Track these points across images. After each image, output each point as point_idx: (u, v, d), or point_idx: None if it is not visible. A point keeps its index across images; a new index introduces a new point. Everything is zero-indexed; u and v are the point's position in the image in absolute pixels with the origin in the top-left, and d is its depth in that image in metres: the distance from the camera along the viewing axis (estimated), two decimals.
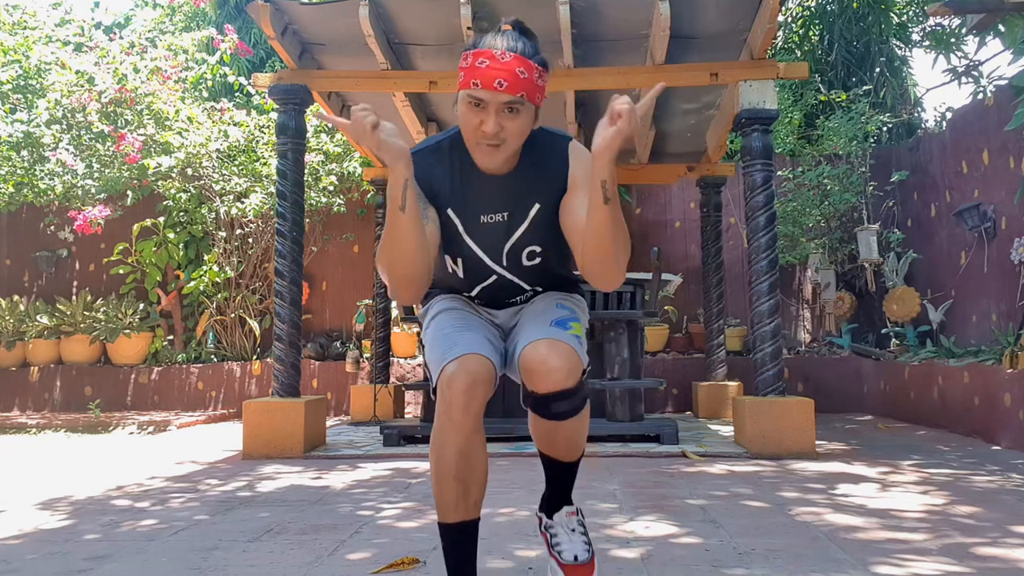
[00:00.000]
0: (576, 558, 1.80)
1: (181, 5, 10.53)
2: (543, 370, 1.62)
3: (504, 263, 1.81)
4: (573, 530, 1.85)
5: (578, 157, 1.75)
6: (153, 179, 7.56)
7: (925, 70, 23.67)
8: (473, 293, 1.89)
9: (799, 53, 9.69)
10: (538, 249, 1.80)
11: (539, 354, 1.63)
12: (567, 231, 1.72)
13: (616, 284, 1.64)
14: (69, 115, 7.07)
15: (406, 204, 1.53)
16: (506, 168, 1.72)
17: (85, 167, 7.27)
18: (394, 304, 7.03)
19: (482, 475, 1.69)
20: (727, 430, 5.31)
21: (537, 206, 1.75)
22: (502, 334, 1.90)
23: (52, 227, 8.54)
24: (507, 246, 1.79)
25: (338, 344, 7.91)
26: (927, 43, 7.04)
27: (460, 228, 1.77)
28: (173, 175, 7.51)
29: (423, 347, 1.90)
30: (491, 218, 1.76)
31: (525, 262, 1.81)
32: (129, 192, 7.89)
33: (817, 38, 9.68)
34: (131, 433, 6.36)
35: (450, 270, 1.85)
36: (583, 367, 1.68)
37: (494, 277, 1.84)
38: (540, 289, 1.90)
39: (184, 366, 7.65)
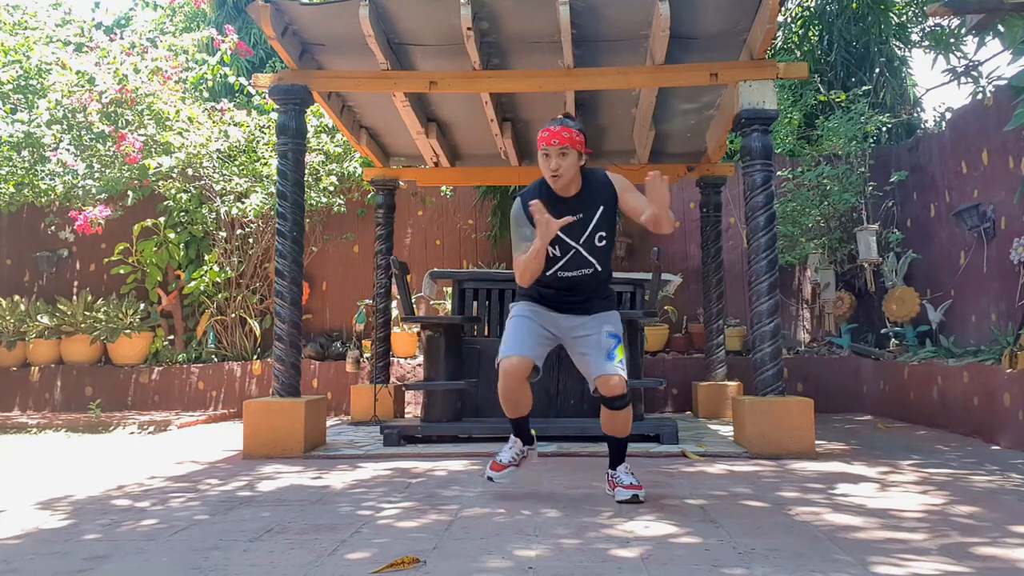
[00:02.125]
0: (631, 483, 3.02)
1: (181, 6, 10.53)
2: (609, 386, 2.95)
3: (581, 242, 3.02)
4: (627, 472, 3.09)
5: (615, 178, 3.10)
6: (154, 179, 7.56)
7: (925, 70, 23.69)
8: (557, 274, 3.04)
9: (799, 53, 9.69)
10: (604, 234, 3.05)
11: (607, 383, 2.95)
12: (633, 213, 3.04)
13: (670, 229, 2.97)
14: (70, 115, 7.07)
15: (541, 249, 2.92)
16: (572, 192, 3.04)
17: (86, 167, 7.28)
18: (394, 304, 7.04)
19: (526, 401, 3.10)
20: (727, 430, 5.32)
21: (601, 208, 3.04)
22: (554, 340, 3.12)
23: (53, 227, 8.54)
24: (586, 233, 3.02)
25: (338, 344, 7.91)
26: (927, 43, 7.04)
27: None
28: (174, 175, 7.51)
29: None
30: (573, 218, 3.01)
31: (597, 243, 3.04)
32: (130, 192, 7.89)
33: (817, 38, 9.69)
34: (131, 433, 6.36)
35: (550, 255, 3.01)
36: (626, 382, 2.99)
37: (573, 251, 3.02)
38: (595, 265, 3.04)
39: (184, 366, 7.66)
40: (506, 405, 3.08)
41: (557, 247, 3.01)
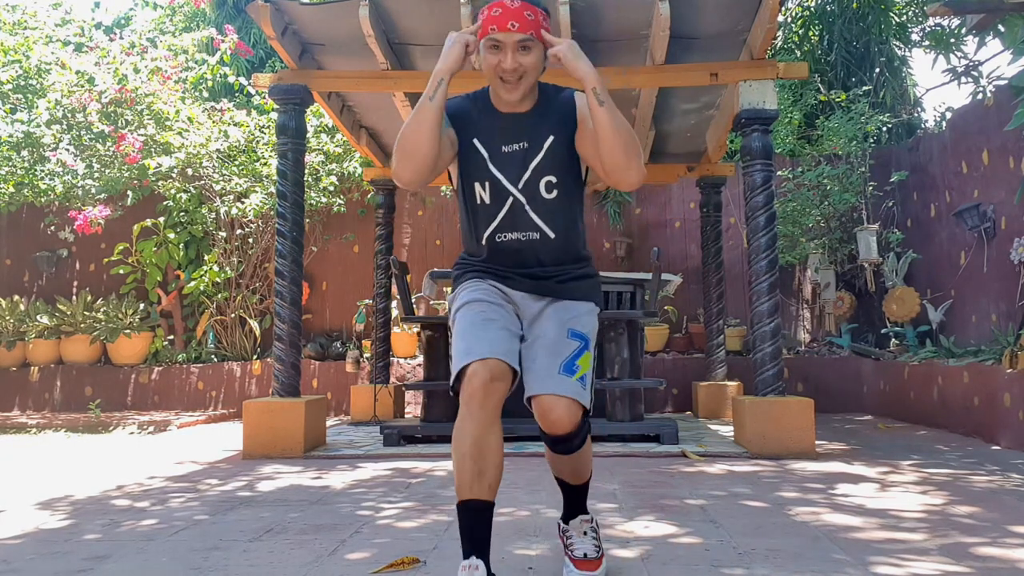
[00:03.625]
0: (585, 555, 2.03)
1: (181, 5, 10.53)
2: (549, 420, 1.89)
3: (522, 185, 1.99)
4: (585, 533, 2.08)
5: (582, 98, 2.03)
6: (153, 179, 7.56)
7: (925, 70, 23.69)
8: (495, 238, 2.02)
9: (799, 53, 9.69)
10: (554, 180, 2.00)
11: (547, 406, 1.88)
12: (587, 157, 2.00)
13: (635, 178, 1.92)
14: (69, 115, 7.07)
15: (435, 96, 1.88)
16: (524, 107, 2.01)
17: (85, 167, 7.28)
18: (394, 304, 7.03)
19: (496, 462, 1.81)
20: (727, 430, 5.32)
21: (551, 137, 2.00)
22: (519, 321, 2.03)
23: (52, 227, 8.54)
24: (527, 173, 1.99)
25: (338, 344, 7.91)
26: (927, 43, 7.03)
27: (485, 156, 2.01)
28: (173, 175, 7.51)
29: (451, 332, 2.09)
30: (512, 147, 2.00)
31: (544, 193, 2.00)
32: (129, 192, 7.89)
33: (817, 38, 9.69)
34: (131, 433, 6.36)
35: (478, 200, 2.02)
36: (583, 410, 1.92)
37: (510, 200, 2.00)
38: (551, 235, 2.01)
39: (184, 366, 7.66)
40: (464, 463, 1.79)
41: (486, 187, 2.00)
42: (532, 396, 1.91)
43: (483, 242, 2.04)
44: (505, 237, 2.02)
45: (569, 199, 2.04)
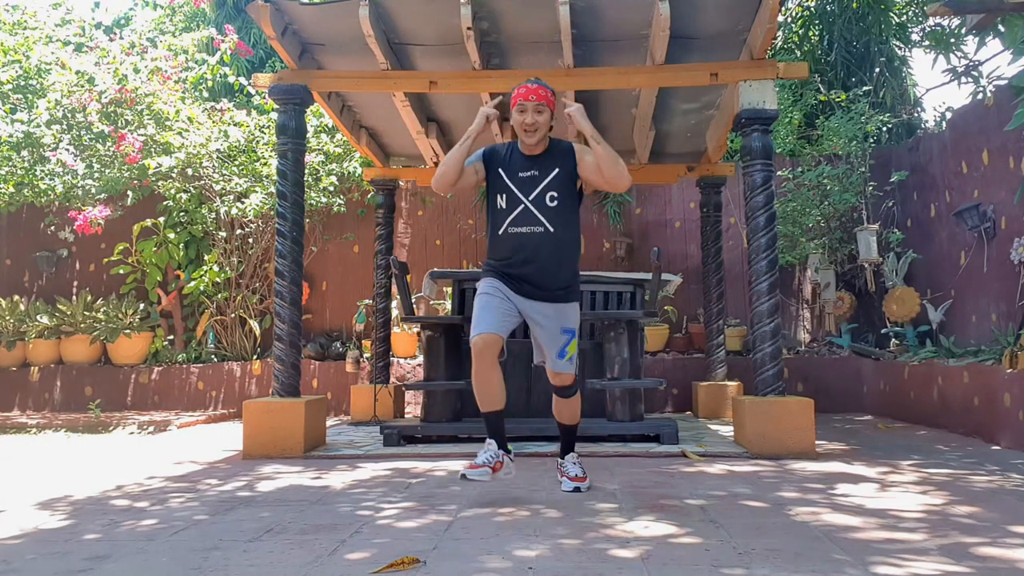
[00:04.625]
0: (576, 475, 3.25)
1: (181, 5, 10.53)
2: (558, 379, 3.25)
3: (531, 198, 3.15)
4: (574, 463, 3.31)
5: (579, 151, 3.23)
6: (153, 179, 7.56)
7: (925, 70, 23.67)
8: (508, 230, 3.15)
9: (799, 53, 9.69)
10: (555, 194, 3.16)
11: (555, 376, 3.24)
12: (590, 177, 3.20)
13: (626, 182, 3.16)
14: (69, 115, 7.07)
15: (463, 145, 3.18)
16: (538, 151, 3.21)
17: (85, 167, 7.28)
18: (394, 304, 7.03)
19: (498, 388, 3.11)
20: (727, 430, 5.31)
21: (557, 170, 3.19)
22: (518, 316, 3.17)
23: (52, 227, 8.54)
24: (537, 189, 3.16)
25: (338, 344, 7.91)
26: (927, 43, 7.03)
27: (505, 178, 3.21)
28: (173, 175, 7.51)
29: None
30: (527, 174, 3.19)
31: (548, 203, 3.15)
32: (129, 192, 7.89)
33: (817, 38, 9.69)
34: (131, 433, 6.36)
35: (499, 206, 3.19)
36: (575, 376, 3.27)
37: (522, 206, 3.15)
38: (551, 229, 3.13)
39: (184, 366, 7.66)
40: (479, 393, 3.09)
41: (504, 197, 3.17)
42: (548, 369, 3.22)
43: (500, 232, 3.17)
44: (515, 230, 3.15)
45: (564, 208, 3.17)
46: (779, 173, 7.61)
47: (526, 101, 3.11)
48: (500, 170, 3.21)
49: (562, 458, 3.32)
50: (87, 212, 7.22)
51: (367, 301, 7.78)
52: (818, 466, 3.85)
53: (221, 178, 7.50)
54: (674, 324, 7.77)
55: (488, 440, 3.11)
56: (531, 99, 3.11)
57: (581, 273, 5.19)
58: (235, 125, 7.51)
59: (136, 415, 6.95)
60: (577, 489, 3.17)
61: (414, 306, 6.08)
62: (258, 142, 7.56)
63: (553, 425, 4.73)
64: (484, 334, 3.01)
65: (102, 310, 7.79)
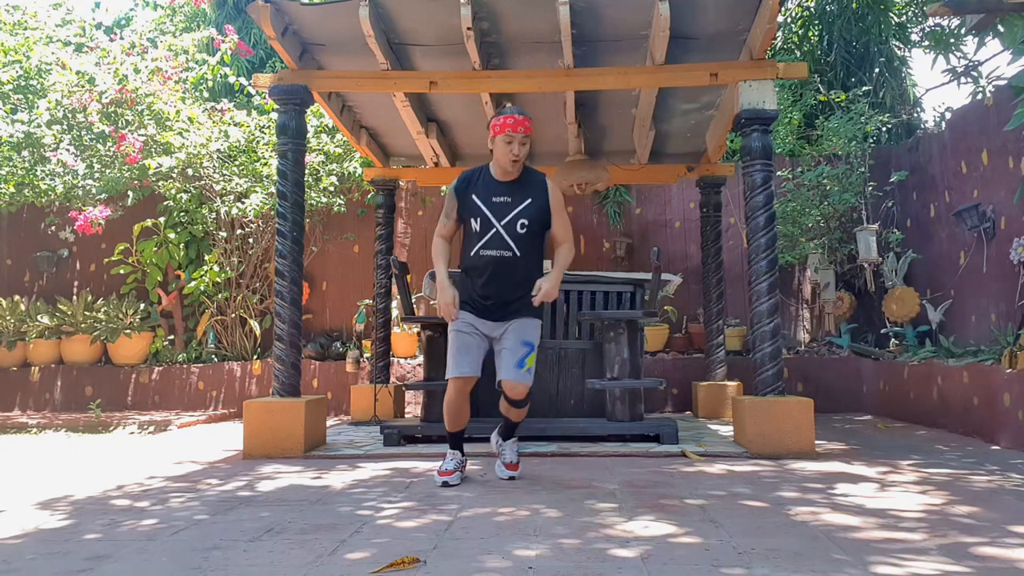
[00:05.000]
0: (511, 461, 3.59)
1: (181, 6, 10.53)
2: (512, 394, 3.42)
3: (503, 223, 3.33)
4: (513, 449, 3.63)
5: (552, 191, 3.45)
6: (154, 179, 7.56)
7: (924, 70, 23.67)
8: (480, 252, 3.34)
9: (799, 53, 9.69)
10: (526, 222, 3.35)
11: (510, 387, 3.41)
12: (549, 236, 3.47)
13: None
14: (70, 115, 7.07)
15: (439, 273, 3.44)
16: (511, 177, 3.40)
17: (86, 167, 7.28)
18: (394, 304, 7.04)
19: (465, 417, 3.51)
20: (727, 430, 5.32)
21: (529, 200, 3.38)
22: (486, 343, 3.45)
23: (53, 227, 8.54)
24: (509, 215, 3.33)
25: (338, 344, 7.91)
26: (926, 43, 7.03)
27: (480, 203, 3.37)
28: (174, 175, 7.51)
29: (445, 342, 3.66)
30: (500, 199, 3.36)
31: (518, 229, 3.34)
32: (130, 192, 7.89)
33: (816, 38, 9.69)
34: (131, 433, 6.37)
35: (473, 229, 3.36)
36: (528, 389, 3.43)
37: (493, 230, 3.32)
38: (514, 249, 3.33)
39: (184, 366, 7.66)
40: (451, 418, 3.48)
41: (478, 222, 3.34)
42: (502, 379, 3.39)
43: (472, 253, 3.36)
44: (486, 252, 3.33)
45: (532, 235, 3.37)
46: (779, 173, 7.61)
47: (515, 133, 3.26)
48: (474, 196, 3.37)
49: (502, 439, 3.62)
50: (87, 212, 7.22)
51: (367, 301, 7.78)
52: (818, 466, 3.85)
53: (221, 178, 7.50)
54: (674, 324, 7.77)
55: (452, 451, 3.56)
56: (519, 131, 3.26)
57: (582, 273, 5.34)
58: (235, 125, 7.51)
59: (136, 415, 6.95)
60: (512, 478, 3.50)
61: (414, 306, 6.08)
62: (258, 142, 7.56)
63: (556, 424, 4.76)
64: (463, 376, 3.37)
65: (102, 310, 7.80)
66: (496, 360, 3.43)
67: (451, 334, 3.43)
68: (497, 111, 3.39)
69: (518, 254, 3.32)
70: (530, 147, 3.34)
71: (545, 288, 3.29)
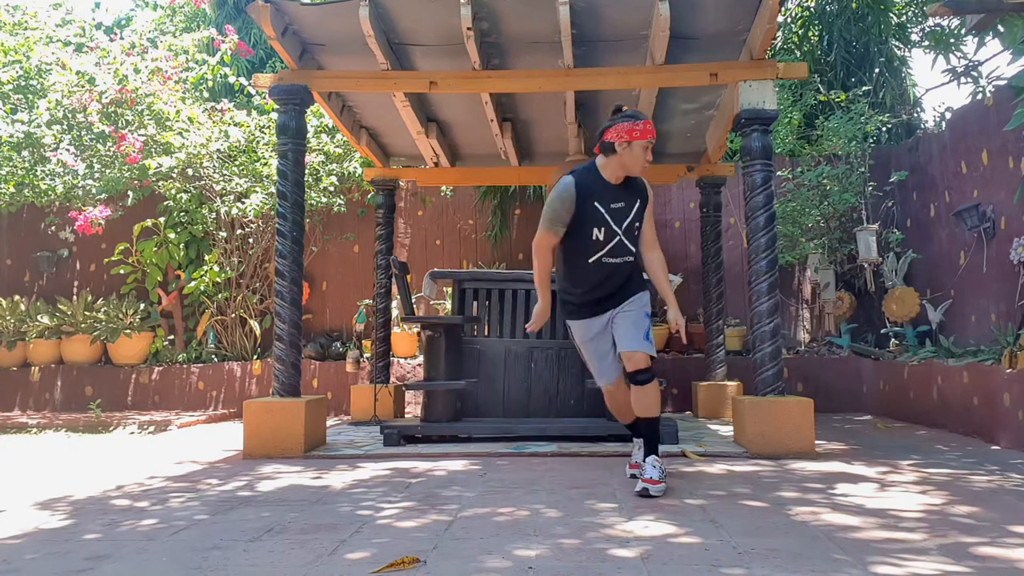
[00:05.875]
0: (651, 477, 3.15)
1: (181, 6, 10.53)
2: (632, 362, 3.25)
3: (623, 229, 3.28)
4: (654, 466, 3.19)
5: (649, 191, 3.41)
6: (154, 179, 7.56)
7: (924, 70, 23.68)
8: (602, 260, 3.28)
9: (799, 53, 9.69)
10: (638, 224, 3.34)
11: (632, 357, 3.25)
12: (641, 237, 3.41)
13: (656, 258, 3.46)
14: (70, 115, 7.07)
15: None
16: (619, 181, 3.31)
17: (86, 167, 7.28)
18: (394, 304, 7.04)
19: (627, 407, 3.39)
20: (727, 430, 5.32)
21: (639, 202, 3.34)
22: (609, 333, 3.36)
23: (53, 227, 8.54)
24: (627, 220, 3.29)
25: (338, 344, 7.91)
26: (926, 43, 7.03)
27: (602, 211, 3.26)
28: (174, 175, 7.51)
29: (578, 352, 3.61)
30: (618, 205, 3.29)
31: (634, 233, 3.32)
32: (130, 192, 7.89)
33: (816, 38, 9.69)
34: (131, 433, 6.37)
35: (593, 238, 3.25)
36: (652, 357, 3.28)
37: (617, 238, 3.27)
38: (633, 253, 3.32)
39: (185, 366, 7.66)
40: (620, 415, 3.51)
41: (602, 231, 3.24)
42: (623, 351, 3.26)
43: (591, 261, 3.28)
44: (608, 260, 3.28)
45: (638, 236, 3.37)
46: (779, 173, 7.61)
47: (651, 138, 3.23)
48: (596, 203, 3.25)
49: (643, 461, 3.25)
50: (87, 212, 7.22)
51: (367, 301, 7.78)
52: (818, 466, 3.85)
53: (221, 178, 7.50)
54: None
55: (636, 439, 3.51)
56: (649, 138, 3.22)
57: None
58: (235, 125, 7.51)
59: (136, 415, 6.95)
60: (645, 491, 3.08)
61: (414, 306, 6.08)
62: (258, 142, 7.56)
63: (557, 424, 4.76)
64: (613, 383, 3.41)
65: (102, 310, 7.80)
66: (617, 330, 3.30)
67: (579, 344, 3.45)
68: (620, 116, 3.25)
69: (632, 259, 3.33)
70: None
71: (678, 321, 3.33)
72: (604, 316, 3.34)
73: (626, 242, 3.28)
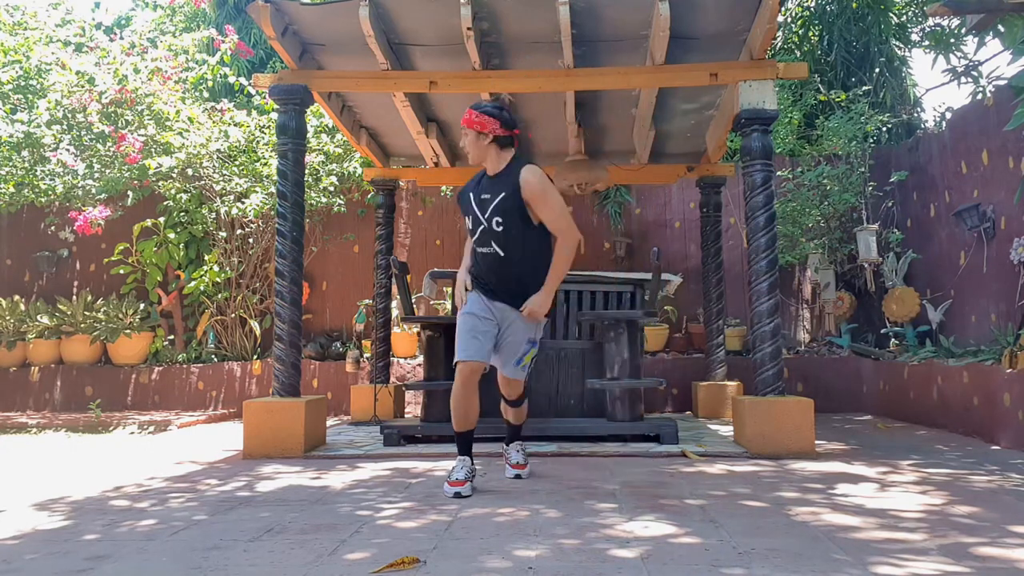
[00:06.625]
0: (517, 462, 3.57)
1: (181, 6, 10.53)
2: (506, 392, 3.50)
3: (486, 220, 3.25)
4: (518, 451, 3.62)
5: (527, 177, 3.22)
6: (154, 179, 7.56)
7: (925, 70, 23.67)
8: (477, 249, 3.30)
9: (799, 53, 9.69)
10: (500, 219, 3.22)
11: (505, 385, 3.47)
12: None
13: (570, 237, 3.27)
14: (70, 115, 7.07)
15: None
16: (495, 172, 3.31)
17: (86, 167, 7.28)
18: (394, 304, 7.03)
19: (475, 412, 3.29)
20: (727, 430, 5.32)
21: (503, 194, 3.23)
22: (495, 326, 3.31)
23: (53, 227, 8.54)
24: (487, 212, 3.25)
25: (338, 344, 7.91)
26: (926, 43, 7.03)
27: (471, 199, 3.32)
28: (173, 175, 7.51)
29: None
30: (485, 195, 3.28)
31: (495, 227, 3.23)
32: (130, 192, 7.89)
33: (817, 38, 9.69)
34: (131, 433, 6.36)
35: (468, 226, 3.32)
36: (523, 387, 3.50)
37: (483, 226, 3.25)
38: (501, 254, 3.24)
39: (184, 366, 7.66)
40: (457, 414, 3.25)
41: (469, 219, 3.32)
42: (501, 374, 3.41)
43: (472, 251, 3.35)
44: (480, 250, 3.30)
45: (513, 231, 3.21)
46: (779, 173, 7.61)
47: (462, 126, 3.31)
48: (470, 192, 3.35)
49: (507, 446, 3.63)
50: (87, 212, 7.22)
51: (367, 301, 7.78)
52: (818, 466, 3.85)
53: (221, 178, 7.50)
54: (674, 324, 7.77)
55: (461, 457, 3.28)
56: (464, 125, 3.29)
57: (582, 273, 5.34)
58: (235, 125, 7.51)
59: (136, 415, 6.95)
60: (518, 476, 3.49)
61: (414, 306, 6.08)
62: (258, 142, 7.56)
63: (556, 424, 4.76)
64: (470, 361, 3.20)
65: (102, 310, 7.79)
66: (498, 349, 3.33)
67: (459, 317, 3.28)
68: None
69: (501, 253, 3.23)
70: (476, 136, 3.25)
71: (529, 308, 3.21)
72: (496, 304, 3.28)
73: (487, 234, 3.23)
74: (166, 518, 2.83)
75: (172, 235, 7.91)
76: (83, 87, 6.98)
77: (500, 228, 3.20)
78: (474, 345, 3.20)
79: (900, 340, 6.75)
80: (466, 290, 3.34)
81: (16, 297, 8.07)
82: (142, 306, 7.93)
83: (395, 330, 7.33)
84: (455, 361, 3.22)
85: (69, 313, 7.83)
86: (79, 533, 2.62)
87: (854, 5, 9.22)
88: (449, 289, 7.31)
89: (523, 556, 2.24)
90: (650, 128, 6.01)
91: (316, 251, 8.20)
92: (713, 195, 6.68)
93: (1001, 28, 4.96)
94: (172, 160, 7.11)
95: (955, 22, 6.12)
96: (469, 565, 2.15)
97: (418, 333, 7.46)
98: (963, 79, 6.26)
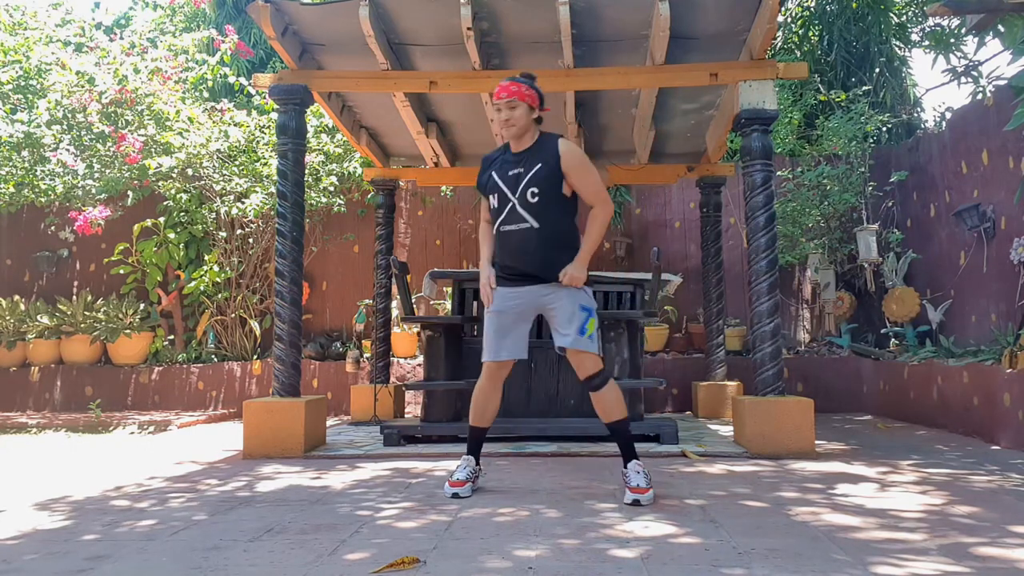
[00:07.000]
0: (637, 485, 3.01)
1: (181, 6, 10.53)
2: (580, 371, 3.15)
3: (517, 196, 3.13)
4: (638, 472, 3.06)
5: (567, 147, 3.17)
6: (154, 179, 7.56)
7: (925, 70, 23.68)
8: (502, 228, 3.17)
9: (799, 53, 9.69)
10: (536, 190, 3.12)
11: (577, 363, 3.14)
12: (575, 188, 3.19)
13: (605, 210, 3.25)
14: (69, 115, 7.07)
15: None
16: (523, 147, 3.20)
17: (86, 167, 7.28)
18: (394, 304, 7.03)
19: (492, 409, 3.28)
20: (727, 430, 5.32)
21: (540, 164, 3.13)
22: (526, 312, 3.20)
23: (53, 227, 8.54)
24: (521, 185, 3.14)
25: (338, 344, 7.91)
26: (927, 43, 7.03)
27: (496, 178, 3.21)
28: (174, 175, 7.51)
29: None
30: (513, 172, 3.17)
31: (530, 199, 3.12)
32: (130, 192, 7.89)
33: (817, 38, 9.69)
34: (131, 433, 6.36)
35: (492, 205, 3.21)
36: (599, 361, 3.14)
37: (510, 204, 3.14)
38: (537, 226, 3.11)
39: (184, 366, 7.66)
40: (478, 409, 3.25)
41: (495, 198, 3.19)
42: (566, 351, 3.12)
43: (496, 231, 3.20)
44: (506, 228, 3.15)
45: (549, 203, 3.12)
46: (779, 173, 7.61)
47: (497, 100, 3.15)
48: (493, 172, 3.23)
49: (624, 467, 3.11)
50: (87, 212, 7.22)
51: (367, 301, 7.78)
52: (818, 466, 3.85)
53: (221, 178, 7.50)
54: (674, 324, 7.77)
55: (466, 456, 3.27)
56: (502, 97, 3.13)
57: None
58: (235, 125, 7.51)
59: (136, 415, 6.95)
60: (636, 502, 2.92)
61: (414, 306, 6.08)
62: (258, 142, 7.56)
63: (557, 424, 4.76)
64: (499, 361, 3.19)
65: (102, 310, 7.79)
66: (554, 332, 3.16)
67: (486, 316, 3.22)
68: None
69: (536, 225, 3.09)
70: (527, 109, 3.13)
71: (570, 272, 3.08)
72: (525, 291, 3.15)
73: (519, 209, 3.11)
74: (166, 518, 2.83)
75: (172, 235, 7.91)
76: (83, 87, 6.98)
77: (535, 199, 3.10)
78: (500, 345, 3.18)
79: (900, 340, 6.75)
80: (491, 288, 3.21)
81: (16, 297, 8.07)
82: (142, 306, 7.93)
83: (395, 330, 7.33)
84: (486, 357, 3.20)
85: (69, 313, 7.83)
86: (79, 533, 2.62)
87: (854, 5, 9.22)
88: (449, 289, 7.31)
89: (523, 556, 2.24)
90: (650, 128, 6.01)
91: (316, 251, 8.20)
92: (713, 195, 6.68)
93: (1001, 28, 4.96)
94: (172, 160, 7.11)
95: (955, 22, 6.12)
96: (469, 565, 2.15)
97: (418, 333, 7.46)
98: (963, 79, 6.26)
